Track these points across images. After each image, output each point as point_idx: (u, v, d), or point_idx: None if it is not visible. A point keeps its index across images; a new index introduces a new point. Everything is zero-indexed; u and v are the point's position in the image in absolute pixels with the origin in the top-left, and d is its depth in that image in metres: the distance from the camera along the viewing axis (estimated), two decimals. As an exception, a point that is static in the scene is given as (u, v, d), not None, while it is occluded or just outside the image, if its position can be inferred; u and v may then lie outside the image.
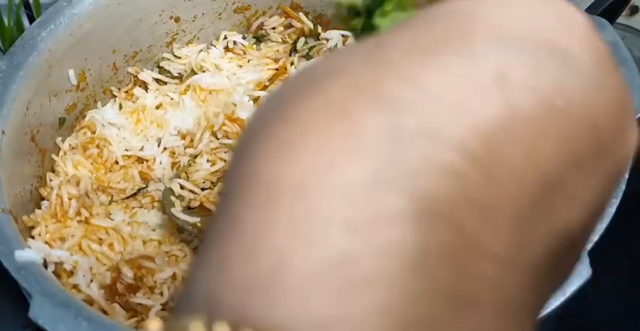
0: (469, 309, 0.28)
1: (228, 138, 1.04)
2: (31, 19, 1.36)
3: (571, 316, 0.95)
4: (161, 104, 1.13)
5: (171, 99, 1.13)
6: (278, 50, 1.22)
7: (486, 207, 0.28)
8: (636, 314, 1.11)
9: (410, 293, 0.26)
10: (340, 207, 0.27)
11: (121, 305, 0.87)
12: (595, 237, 0.78)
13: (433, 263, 0.27)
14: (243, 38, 1.24)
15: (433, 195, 0.27)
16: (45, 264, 0.86)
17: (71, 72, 1.05)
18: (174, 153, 1.07)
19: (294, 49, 1.21)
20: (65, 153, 1.04)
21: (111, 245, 0.93)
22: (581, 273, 0.76)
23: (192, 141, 1.07)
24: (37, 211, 0.94)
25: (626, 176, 0.81)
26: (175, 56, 1.19)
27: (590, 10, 1.00)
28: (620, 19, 1.20)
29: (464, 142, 0.28)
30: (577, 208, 0.31)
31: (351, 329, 0.25)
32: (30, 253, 0.81)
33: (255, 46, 1.23)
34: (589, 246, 0.77)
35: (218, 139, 1.05)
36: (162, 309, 0.88)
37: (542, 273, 0.31)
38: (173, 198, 0.97)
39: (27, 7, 1.39)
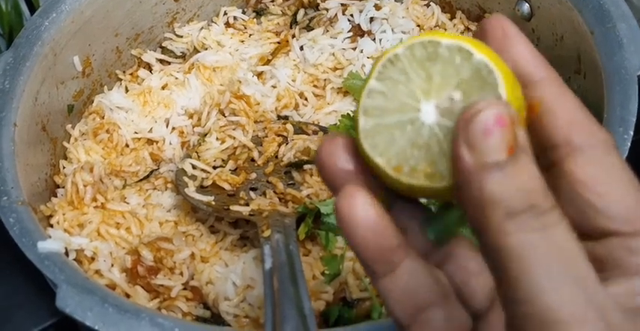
0: None
1: (235, 115, 1.05)
2: (28, 3, 1.37)
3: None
4: (166, 84, 1.14)
5: (176, 78, 1.14)
6: (278, 23, 1.22)
7: None
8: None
9: None
10: None
11: (142, 288, 0.89)
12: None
13: None
14: (243, 13, 1.24)
15: None
16: (66, 252, 0.87)
17: (76, 58, 1.06)
18: (182, 132, 1.08)
19: (294, 21, 1.21)
20: (76, 140, 1.06)
21: (128, 228, 0.94)
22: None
23: (199, 119, 1.08)
24: (54, 199, 0.96)
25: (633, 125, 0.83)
26: (177, 35, 1.20)
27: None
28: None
29: None
30: None
31: None
32: (52, 243, 0.82)
33: (255, 20, 1.23)
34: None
35: (225, 117, 1.06)
36: (184, 289, 0.90)
37: None
38: (186, 179, 0.98)
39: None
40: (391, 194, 0.47)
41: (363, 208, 0.43)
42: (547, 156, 0.45)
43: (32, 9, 1.33)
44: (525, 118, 0.44)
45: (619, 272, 0.43)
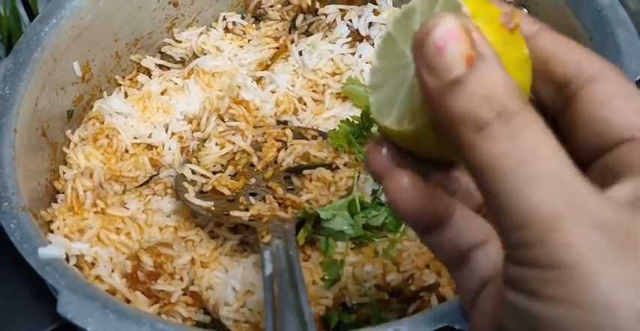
0: None
1: (234, 120, 1.05)
2: (27, 8, 1.37)
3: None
4: (166, 90, 1.14)
5: (176, 84, 1.14)
6: (277, 28, 1.22)
7: None
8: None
9: None
10: None
11: (143, 293, 0.89)
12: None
13: None
14: (242, 18, 1.24)
15: None
16: (67, 258, 0.87)
17: (76, 64, 1.06)
18: (182, 138, 1.08)
19: (293, 26, 1.21)
20: (76, 145, 1.06)
21: (128, 234, 0.94)
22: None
23: (199, 125, 1.08)
24: (54, 205, 0.96)
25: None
26: (176, 41, 1.20)
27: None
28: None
29: None
30: None
31: None
32: (53, 249, 0.83)
33: (254, 25, 1.23)
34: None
35: (225, 122, 1.06)
36: (184, 294, 0.90)
37: None
38: (186, 184, 0.98)
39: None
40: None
41: (409, 185, 0.45)
42: (563, 93, 0.47)
43: (30, 14, 1.33)
44: (503, 26, 0.43)
45: (628, 172, 0.43)
